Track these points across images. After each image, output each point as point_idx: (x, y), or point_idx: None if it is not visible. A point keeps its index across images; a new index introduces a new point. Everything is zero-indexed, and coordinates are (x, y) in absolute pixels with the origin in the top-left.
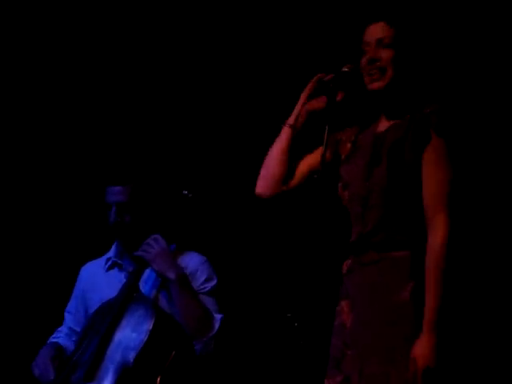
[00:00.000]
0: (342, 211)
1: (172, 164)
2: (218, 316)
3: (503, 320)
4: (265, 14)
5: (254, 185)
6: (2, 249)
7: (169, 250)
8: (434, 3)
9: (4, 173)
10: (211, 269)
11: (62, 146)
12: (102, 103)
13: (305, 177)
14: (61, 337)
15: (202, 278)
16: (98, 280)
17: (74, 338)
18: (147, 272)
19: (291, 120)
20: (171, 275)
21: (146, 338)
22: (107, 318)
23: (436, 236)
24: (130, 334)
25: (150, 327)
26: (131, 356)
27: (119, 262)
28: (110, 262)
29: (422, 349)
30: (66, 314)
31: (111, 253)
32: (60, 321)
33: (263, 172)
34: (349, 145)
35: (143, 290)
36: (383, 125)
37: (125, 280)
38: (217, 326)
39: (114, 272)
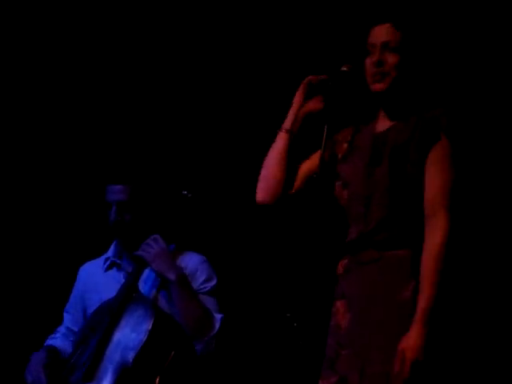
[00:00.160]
0: (338, 212)
1: (172, 164)
2: (218, 316)
3: (502, 318)
4: (265, 13)
5: (253, 185)
6: (2, 249)
7: (168, 250)
8: (437, 6)
9: (4, 173)
10: (211, 269)
11: (63, 145)
12: (103, 103)
13: (304, 182)
14: (58, 337)
15: (202, 278)
16: (97, 280)
17: (71, 338)
18: (146, 272)
19: (287, 125)
20: (171, 276)
21: (145, 338)
22: (106, 318)
23: (435, 236)
24: (130, 334)
25: (150, 327)
26: (130, 356)
27: (118, 261)
28: (108, 262)
29: (411, 340)
30: (64, 314)
31: (110, 253)
32: (59, 321)
33: (262, 183)
34: (345, 145)
35: (142, 290)
36: (383, 125)
37: (123, 280)
38: (217, 325)
39: (113, 272)
